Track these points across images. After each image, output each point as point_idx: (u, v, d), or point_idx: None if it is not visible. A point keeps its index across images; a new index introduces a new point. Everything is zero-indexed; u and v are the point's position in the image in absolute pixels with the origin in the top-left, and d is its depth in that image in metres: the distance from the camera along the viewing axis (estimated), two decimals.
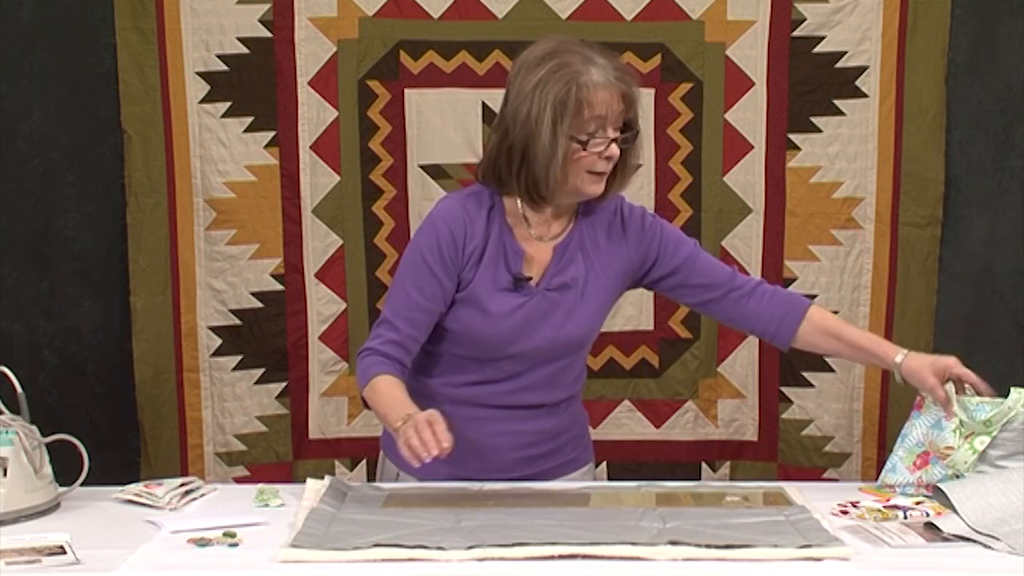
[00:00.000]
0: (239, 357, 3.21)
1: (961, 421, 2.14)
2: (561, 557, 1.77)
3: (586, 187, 2.22)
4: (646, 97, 3.13)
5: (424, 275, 2.24)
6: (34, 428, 2.10)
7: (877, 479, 2.27)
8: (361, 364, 2.26)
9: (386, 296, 2.34)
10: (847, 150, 3.16)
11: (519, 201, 2.25)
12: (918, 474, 2.16)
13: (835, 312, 3.17)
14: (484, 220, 2.26)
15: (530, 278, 2.26)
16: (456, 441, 2.08)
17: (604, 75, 2.16)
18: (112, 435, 3.19)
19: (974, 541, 1.84)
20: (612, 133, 2.19)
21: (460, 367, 2.30)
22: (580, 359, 2.36)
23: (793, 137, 3.16)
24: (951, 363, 2.17)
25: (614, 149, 2.19)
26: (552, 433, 2.32)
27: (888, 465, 2.21)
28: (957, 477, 2.09)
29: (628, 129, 2.22)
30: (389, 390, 2.18)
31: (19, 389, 2.11)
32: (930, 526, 1.90)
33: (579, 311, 2.27)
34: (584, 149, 2.17)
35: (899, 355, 2.22)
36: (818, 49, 3.13)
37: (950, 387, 2.16)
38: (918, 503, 2.08)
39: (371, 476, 3.13)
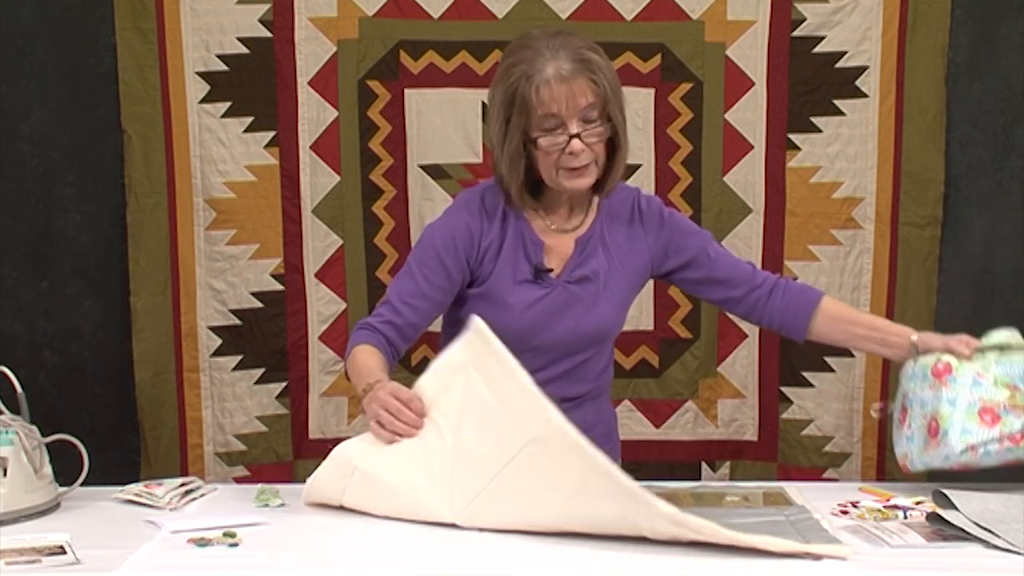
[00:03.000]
0: (239, 357, 3.21)
1: (995, 377, 2.12)
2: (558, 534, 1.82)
3: (564, 183, 2.19)
4: (645, 97, 3.14)
5: (434, 264, 2.24)
6: (34, 428, 2.10)
7: (881, 480, 2.27)
8: (353, 336, 2.27)
9: (397, 275, 2.33)
10: (847, 150, 3.16)
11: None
12: (997, 428, 2.08)
13: None
14: (502, 212, 2.26)
15: (551, 270, 2.25)
16: None
17: (556, 69, 2.12)
18: (112, 435, 3.19)
19: (974, 539, 1.84)
20: (575, 128, 2.13)
21: None
22: (603, 353, 2.34)
23: (793, 137, 3.16)
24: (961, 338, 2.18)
25: (575, 145, 2.13)
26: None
27: (959, 430, 2.08)
28: None
29: (599, 121, 2.16)
30: (365, 358, 2.18)
31: (19, 389, 2.11)
32: (932, 518, 1.90)
33: (600, 304, 2.26)
34: (542, 148, 2.14)
35: (914, 334, 2.23)
36: (818, 49, 3.13)
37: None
38: (918, 503, 2.08)
39: None
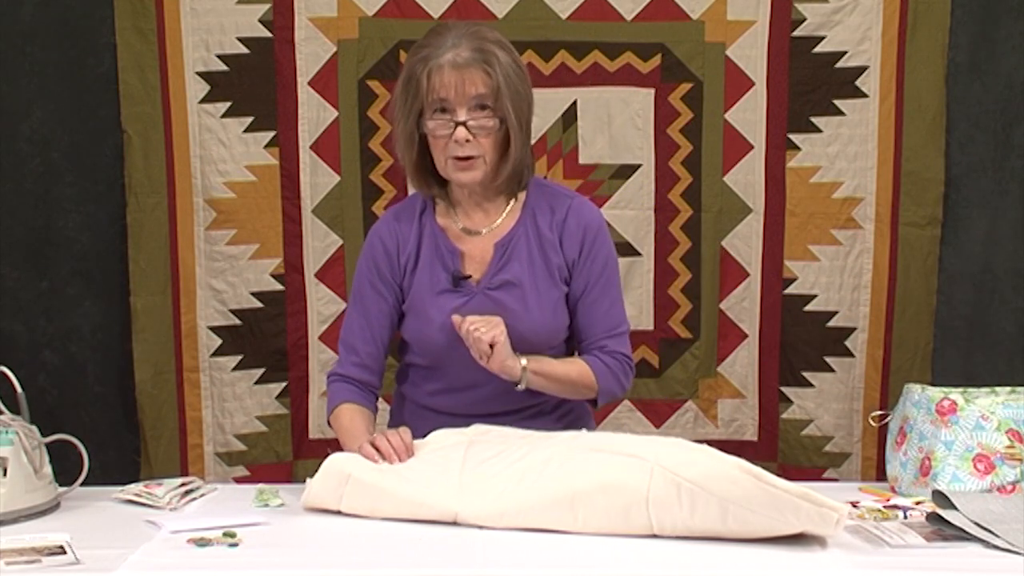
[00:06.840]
0: (239, 357, 3.21)
1: (999, 421, 2.14)
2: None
3: (452, 174, 2.19)
4: (645, 97, 3.14)
5: (368, 294, 2.28)
6: (34, 428, 2.10)
7: (881, 480, 2.28)
8: (329, 390, 2.32)
9: (346, 308, 2.36)
10: (847, 150, 3.16)
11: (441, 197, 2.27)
12: (988, 479, 2.12)
13: (835, 312, 3.19)
14: (416, 225, 2.27)
15: (469, 277, 2.23)
16: None
17: (454, 56, 2.12)
18: (112, 435, 3.19)
19: (974, 539, 1.84)
20: (462, 116, 2.13)
21: (425, 377, 2.30)
22: None
23: (793, 137, 3.16)
24: None
25: (460, 133, 2.13)
26: None
27: (950, 476, 2.14)
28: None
29: (489, 113, 2.14)
30: (350, 421, 2.25)
31: (19, 389, 2.11)
32: (932, 518, 1.90)
33: (527, 311, 2.21)
34: (430, 132, 2.15)
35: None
36: (818, 49, 3.13)
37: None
38: (918, 503, 2.08)
39: None
